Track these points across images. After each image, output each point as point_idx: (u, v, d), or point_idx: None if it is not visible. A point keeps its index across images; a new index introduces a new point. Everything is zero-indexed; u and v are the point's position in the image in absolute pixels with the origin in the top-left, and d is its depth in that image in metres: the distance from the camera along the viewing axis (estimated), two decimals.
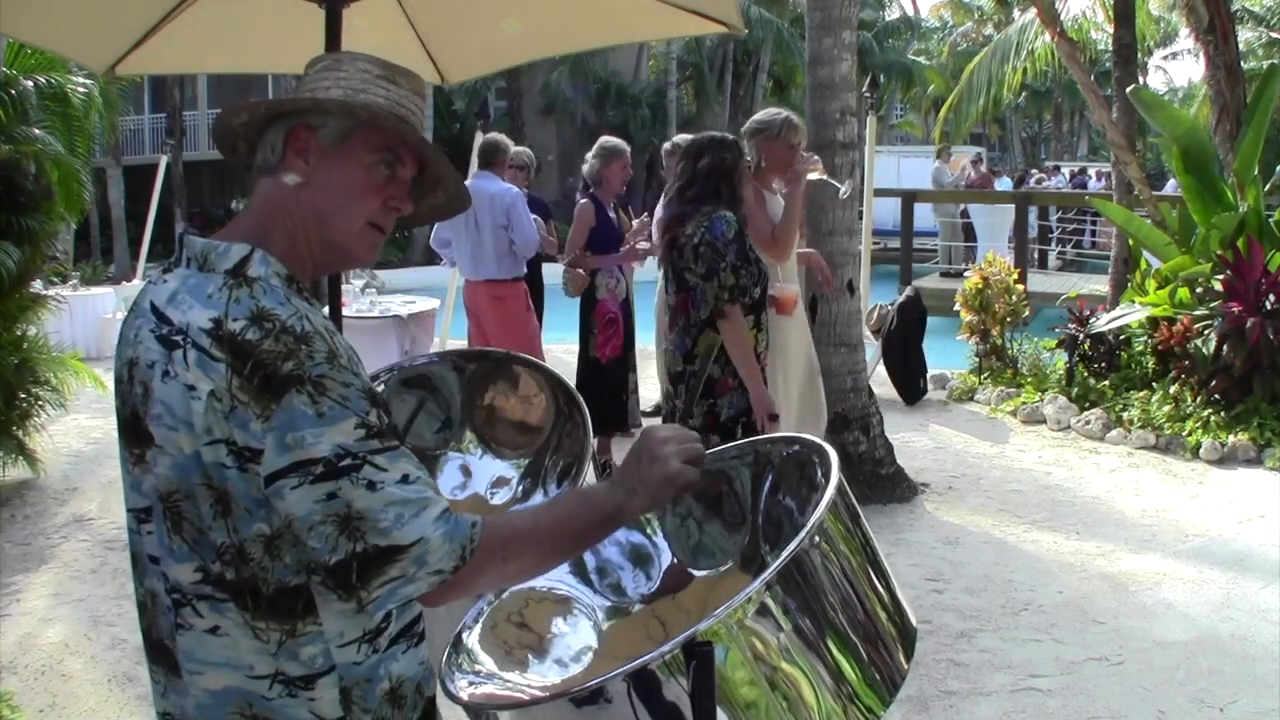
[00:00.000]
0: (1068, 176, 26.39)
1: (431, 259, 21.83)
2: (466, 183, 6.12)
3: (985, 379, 8.55)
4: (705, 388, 4.07)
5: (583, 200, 6.29)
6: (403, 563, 1.36)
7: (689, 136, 5.94)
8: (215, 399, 1.35)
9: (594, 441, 2.47)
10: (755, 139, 4.80)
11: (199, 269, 1.45)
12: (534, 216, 6.58)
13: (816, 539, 1.54)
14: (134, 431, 1.46)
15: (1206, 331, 7.28)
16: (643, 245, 6.18)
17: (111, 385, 1.54)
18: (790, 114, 4.90)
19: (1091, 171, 26.83)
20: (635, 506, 1.52)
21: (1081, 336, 8.02)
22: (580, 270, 6.18)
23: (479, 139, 6.93)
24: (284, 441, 1.33)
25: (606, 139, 6.54)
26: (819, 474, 1.77)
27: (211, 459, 1.37)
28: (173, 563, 1.44)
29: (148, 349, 1.42)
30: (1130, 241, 9.13)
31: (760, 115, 4.96)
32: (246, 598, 1.42)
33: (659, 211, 4.31)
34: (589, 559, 2.03)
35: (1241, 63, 9.54)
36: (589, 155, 6.46)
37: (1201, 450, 6.74)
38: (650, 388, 7.62)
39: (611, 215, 6.29)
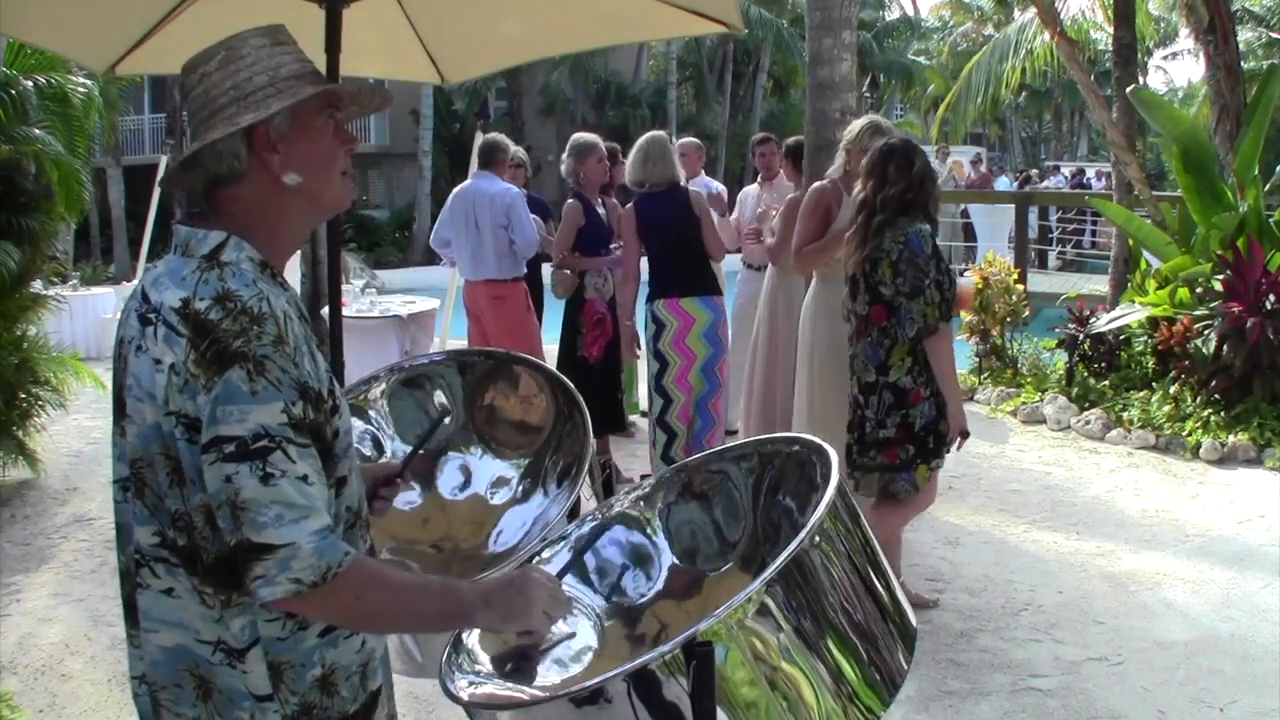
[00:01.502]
0: (1067, 176, 26.37)
1: (431, 259, 21.82)
2: (466, 183, 6.08)
3: (985, 379, 8.54)
4: (897, 398, 4.09)
5: (569, 200, 6.21)
6: (267, 562, 1.40)
7: (658, 133, 5.93)
8: (174, 372, 1.44)
9: (593, 442, 2.46)
10: (844, 143, 4.82)
11: (181, 254, 1.53)
12: (533, 216, 6.57)
13: (816, 539, 1.54)
14: (119, 404, 1.54)
15: (1206, 331, 7.28)
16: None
17: (111, 379, 1.60)
18: (879, 120, 4.91)
19: (1091, 171, 26.81)
20: (481, 620, 1.57)
21: (1081, 336, 8.02)
22: (568, 271, 6.14)
23: (479, 139, 6.93)
24: (215, 414, 1.41)
25: (577, 135, 6.41)
26: (818, 474, 1.78)
27: (168, 429, 1.46)
28: (136, 526, 1.53)
29: (131, 327, 1.52)
30: (1130, 241, 9.13)
31: (854, 123, 4.97)
32: (196, 564, 1.50)
33: (850, 212, 4.28)
34: (589, 559, 2.03)
35: (1241, 63, 9.54)
36: (564, 155, 6.32)
37: (1201, 450, 6.74)
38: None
39: (601, 211, 6.24)
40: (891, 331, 4.09)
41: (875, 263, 4.07)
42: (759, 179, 7.19)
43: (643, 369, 7.30)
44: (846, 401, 4.53)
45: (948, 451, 4.23)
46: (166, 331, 1.45)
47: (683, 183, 5.74)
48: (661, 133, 5.93)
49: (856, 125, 4.85)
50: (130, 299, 1.56)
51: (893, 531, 4.38)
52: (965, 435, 4.17)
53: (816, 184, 4.90)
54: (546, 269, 7.18)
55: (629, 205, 5.71)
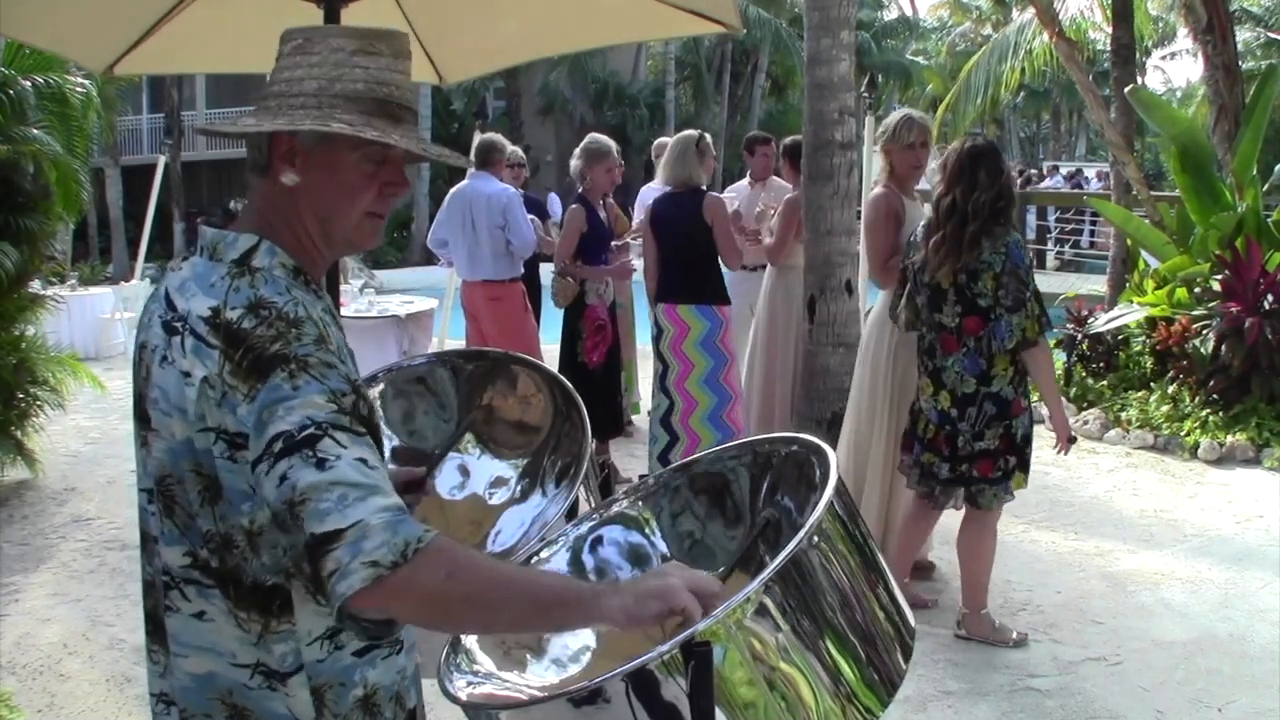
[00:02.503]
0: (1065, 176, 26.38)
1: (430, 259, 21.77)
2: (463, 183, 6.00)
3: None
4: (1000, 409, 4.00)
5: (573, 205, 6.10)
6: (337, 552, 1.25)
7: (686, 133, 5.86)
8: (208, 386, 1.36)
9: (592, 442, 2.45)
10: (881, 143, 4.66)
11: (209, 258, 1.46)
12: (530, 216, 6.55)
13: (815, 539, 1.54)
14: (140, 413, 1.47)
15: (1205, 331, 7.29)
16: (634, 264, 6.14)
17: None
18: (910, 112, 4.74)
19: (1090, 172, 26.82)
20: (610, 605, 1.38)
21: (1080, 336, 8.03)
22: (569, 279, 6.09)
23: (476, 139, 6.91)
24: (260, 418, 1.32)
25: (593, 137, 6.32)
26: (817, 474, 1.77)
27: (203, 446, 1.38)
28: (164, 545, 1.46)
29: (154, 333, 1.44)
30: (1128, 241, 9.14)
31: (887, 120, 4.77)
32: (230, 586, 1.43)
33: (918, 215, 4.13)
34: (588, 559, 2.03)
35: (1240, 63, 9.55)
36: (574, 154, 6.26)
37: (1200, 450, 6.75)
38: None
39: (601, 214, 6.19)
40: (988, 340, 3.97)
41: (975, 274, 3.92)
42: (749, 177, 7.07)
43: (643, 369, 7.31)
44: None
45: (1063, 453, 4.17)
46: (195, 343, 1.37)
47: (702, 186, 5.63)
48: (692, 132, 5.82)
49: (892, 122, 4.64)
50: (152, 301, 1.49)
51: (991, 548, 4.26)
52: (1072, 440, 4.14)
53: (877, 193, 4.67)
54: (545, 269, 7.19)
55: (650, 202, 5.67)
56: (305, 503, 1.27)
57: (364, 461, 1.31)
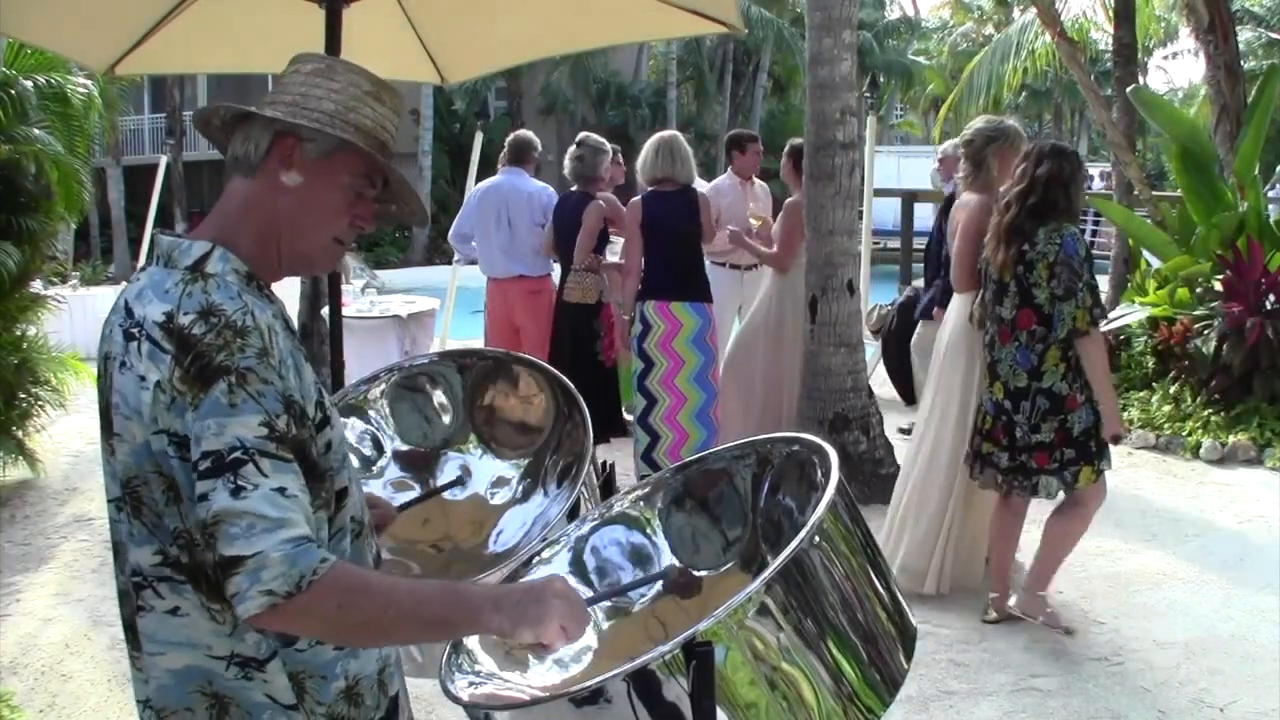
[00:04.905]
0: None
1: (431, 259, 21.81)
2: (497, 178, 6.04)
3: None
4: (1053, 404, 4.07)
5: (597, 202, 6.04)
6: (238, 577, 1.33)
7: (678, 133, 5.85)
8: (160, 390, 1.40)
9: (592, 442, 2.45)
10: (991, 147, 4.56)
11: (165, 265, 1.50)
12: None
13: (816, 539, 1.54)
14: (106, 422, 1.52)
15: (1206, 331, 7.28)
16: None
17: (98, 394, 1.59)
18: (1014, 122, 4.79)
19: (1092, 171, 26.82)
20: (489, 623, 1.45)
21: None
22: (597, 275, 6.01)
23: (478, 139, 6.90)
24: (197, 430, 1.38)
25: (594, 135, 6.32)
26: (819, 474, 1.77)
27: (158, 448, 1.43)
28: (134, 547, 1.49)
29: (115, 342, 1.49)
30: (1130, 241, 9.13)
31: (988, 125, 4.67)
32: (201, 580, 1.46)
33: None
34: (589, 559, 2.03)
35: (1241, 63, 9.54)
36: (586, 154, 6.14)
37: (1201, 450, 6.74)
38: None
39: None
40: (1042, 335, 4.06)
41: (1031, 265, 4.05)
42: (732, 174, 6.96)
43: None
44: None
45: (1111, 444, 4.15)
46: (150, 348, 1.42)
47: (691, 184, 5.66)
48: (670, 133, 5.82)
49: (1007, 128, 4.60)
50: (112, 313, 1.53)
51: (1076, 537, 4.32)
52: (1118, 439, 4.17)
53: (981, 199, 4.54)
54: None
55: (634, 200, 5.63)
56: (218, 524, 1.34)
57: (282, 491, 1.37)
